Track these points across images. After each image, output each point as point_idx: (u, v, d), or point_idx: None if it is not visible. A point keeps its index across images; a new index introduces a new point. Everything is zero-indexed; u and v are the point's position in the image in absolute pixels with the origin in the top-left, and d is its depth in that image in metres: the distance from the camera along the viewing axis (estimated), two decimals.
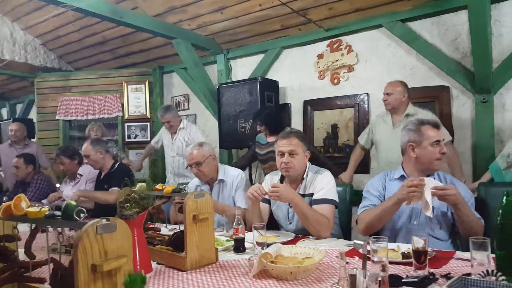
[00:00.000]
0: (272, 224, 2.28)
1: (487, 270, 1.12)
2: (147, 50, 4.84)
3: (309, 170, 2.17)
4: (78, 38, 4.72)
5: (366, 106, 3.77)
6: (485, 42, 2.86)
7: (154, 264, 1.59)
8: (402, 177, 1.97)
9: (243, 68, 4.59)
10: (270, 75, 4.32)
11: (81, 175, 3.36)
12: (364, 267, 1.11)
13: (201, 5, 3.55)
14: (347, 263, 1.43)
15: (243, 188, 2.45)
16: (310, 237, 2.00)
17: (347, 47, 3.86)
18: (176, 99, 5.26)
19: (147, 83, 5.14)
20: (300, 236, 2.03)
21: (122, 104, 5.15)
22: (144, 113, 5.14)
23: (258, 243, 1.66)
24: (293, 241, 1.92)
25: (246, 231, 1.85)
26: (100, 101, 5.18)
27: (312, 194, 2.10)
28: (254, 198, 2.01)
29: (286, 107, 4.23)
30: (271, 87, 4.06)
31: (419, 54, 3.44)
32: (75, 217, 1.07)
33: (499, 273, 1.09)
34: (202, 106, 4.87)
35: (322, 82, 4.03)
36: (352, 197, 2.51)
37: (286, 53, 4.26)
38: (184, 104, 5.17)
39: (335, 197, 2.09)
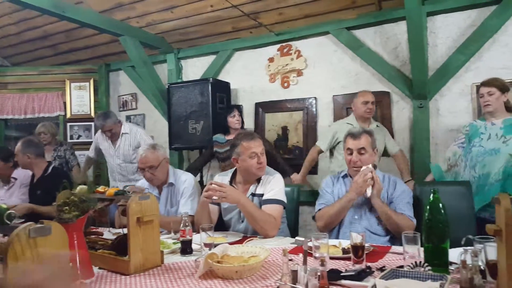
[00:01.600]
0: (221, 225, 2.29)
1: (415, 262, 1.21)
2: (92, 46, 4.63)
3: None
4: (16, 31, 4.41)
5: (314, 109, 3.89)
6: (422, 51, 3.07)
7: (96, 269, 1.53)
8: (345, 176, 2.17)
9: (195, 68, 4.55)
10: (222, 77, 4.32)
11: (15, 179, 3.13)
12: (304, 262, 1.15)
13: (151, 3, 3.47)
14: (291, 259, 1.48)
15: (189, 194, 2.39)
16: (258, 236, 2.03)
17: (297, 52, 3.97)
18: (123, 98, 5.09)
19: (92, 81, 4.93)
20: (248, 236, 2.06)
21: (64, 103, 4.89)
22: (88, 113, 4.91)
23: (206, 244, 1.66)
24: (241, 241, 1.94)
25: (194, 233, 1.84)
26: (40, 99, 4.87)
27: (262, 195, 2.15)
28: (210, 195, 2.00)
29: (238, 108, 4.25)
30: (223, 88, 4.07)
31: (363, 61, 3.62)
32: (6, 221, 1.00)
33: (426, 264, 1.19)
34: (151, 106, 4.75)
35: (273, 85, 4.11)
36: (299, 198, 2.61)
37: (238, 55, 4.29)
38: (131, 104, 5.01)
39: (284, 198, 2.16)
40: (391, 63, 3.53)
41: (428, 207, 1.28)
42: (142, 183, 2.54)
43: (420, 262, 1.21)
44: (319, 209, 2.12)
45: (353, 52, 3.65)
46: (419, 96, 3.34)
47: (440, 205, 1.26)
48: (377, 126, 3.25)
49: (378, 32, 3.58)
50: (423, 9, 3.14)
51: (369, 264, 1.43)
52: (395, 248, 1.68)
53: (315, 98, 3.89)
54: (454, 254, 1.25)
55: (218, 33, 4.08)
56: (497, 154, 2.40)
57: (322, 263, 1.13)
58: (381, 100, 3.57)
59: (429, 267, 1.17)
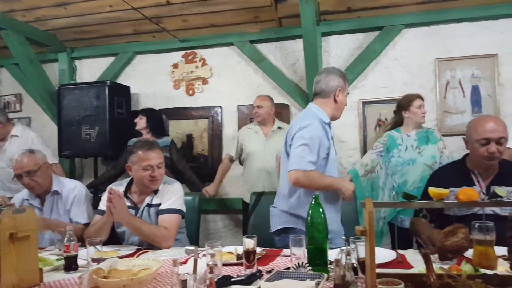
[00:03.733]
0: (114, 238, 2.15)
1: (299, 263, 1.30)
2: None
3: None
4: None
5: (219, 118, 3.94)
6: (316, 68, 3.31)
7: None
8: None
9: (91, 69, 4.24)
10: (122, 80, 4.11)
11: None
12: (194, 271, 1.15)
13: None
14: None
15: (82, 202, 2.23)
16: (154, 248, 1.96)
17: (202, 60, 3.98)
18: (5, 99, 4.50)
19: None
20: (143, 248, 1.98)
21: None
22: None
23: (94, 260, 1.55)
24: (134, 254, 1.85)
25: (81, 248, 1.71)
26: None
27: (159, 205, 2.09)
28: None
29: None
30: (122, 92, 3.86)
31: (265, 74, 3.78)
32: None
33: (307, 264, 1.28)
34: (39, 109, 4.26)
35: (178, 92, 4.05)
36: (201, 206, 2.59)
37: (139, 59, 4.13)
38: (15, 105, 4.47)
39: (182, 207, 2.12)
40: (290, 77, 3.75)
41: (310, 211, 1.38)
42: (19, 195, 2.28)
43: (303, 262, 1.30)
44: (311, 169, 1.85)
45: (256, 64, 3.79)
46: None
47: (320, 209, 1.37)
48: (278, 127, 3.30)
49: (279, 48, 3.79)
50: (318, 29, 3.43)
51: (260, 268, 1.48)
52: (286, 251, 1.78)
53: (221, 107, 3.93)
54: (334, 254, 1.37)
55: (117, 35, 3.89)
56: (414, 164, 2.67)
57: (211, 271, 1.14)
58: (282, 112, 3.76)
59: (310, 267, 1.26)
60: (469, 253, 1.24)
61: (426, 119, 2.92)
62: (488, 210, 1.79)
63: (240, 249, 1.74)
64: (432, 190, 1.16)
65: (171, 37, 3.84)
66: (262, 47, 3.81)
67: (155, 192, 2.12)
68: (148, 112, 3.50)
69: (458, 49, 3.39)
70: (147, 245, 2.02)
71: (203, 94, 3.99)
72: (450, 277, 1.16)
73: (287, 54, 3.77)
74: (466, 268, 1.30)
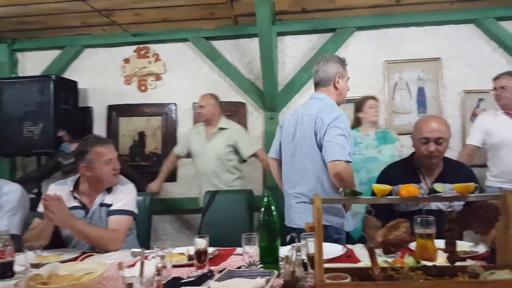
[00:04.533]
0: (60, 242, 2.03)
1: (250, 261, 1.29)
2: None
3: None
4: None
5: (174, 115, 3.85)
6: (272, 67, 3.35)
7: None
8: None
9: (34, 63, 3.97)
10: (69, 75, 3.89)
11: None
12: (141, 274, 1.10)
13: None
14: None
15: (10, 208, 2.02)
16: (100, 251, 1.87)
17: (155, 55, 3.88)
18: None
19: None
20: (88, 251, 1.88)
21: None
22: None
23: (33, 265, 1.45)
24: (78, 258, 1.75)
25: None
26: None
27: (110, 205, 2.00)
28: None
29: (87, 110, 3.89)
30: (69, 87, 3.66)
31: (221, 71, 3.75)
32: None
33: (259, 262, 1.28)
34: None
35: (129, 88, 3.91)
36: (152, 207, 2.52)
37: (88, 53, 3.94)
38: None
39: (134, 209, 2.05)
40: (246, 76, 3.75)
41: (262, 209, 1.38)
42: None
43: (255, 260, 1.30)
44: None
45: (211, 62, 3.75)
46: (270, 108, 3.63)
47: (273, 207, 1.38)
48: (220, 128, 3.18)
49: (235, 46, 3.77)
50: (273, 28, 3.46)
51: (212, 268, 1.46)
52: (239, 250, 1.76)
53: (175, 104, 3.85)
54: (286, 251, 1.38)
55: (64, 27, 3.67)
56: (376, 162, 2.78)
57: (159, 273, 1.10)
58: (238, 110, 3.76)
59: (261, 265, 1.26)
60: (414, 246, 1.30)
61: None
62: (434, 206, 1.89)
63: (192, 250, 1.71)
64: (376, 186, 1.20)
65: (122, 30, 3.69)
66: (218, 44, 3.78)
67: (108, 190, 2.03)
68: (63, 119, 3.28)
69: (405, 52, 3.56)
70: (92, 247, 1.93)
71: (157, 90, 3.89)
72: (393, 269, 1.20)
73: (243, 52, 3.77)
74: (409, 260, 1.36)
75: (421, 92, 3.58)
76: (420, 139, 1.92)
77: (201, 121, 3.27)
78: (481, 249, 1.57)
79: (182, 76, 3.85)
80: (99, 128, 3.88)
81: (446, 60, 3.51)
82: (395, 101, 3.60)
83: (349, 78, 2.13)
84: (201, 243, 1.45)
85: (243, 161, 3.24)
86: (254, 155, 3.18)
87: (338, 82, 2.03)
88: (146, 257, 1.67)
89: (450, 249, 1.23)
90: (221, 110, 3.26)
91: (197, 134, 3.25)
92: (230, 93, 3.77)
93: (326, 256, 1.51)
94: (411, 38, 3.56)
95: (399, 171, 2.06)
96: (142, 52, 3.89)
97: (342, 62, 2.08)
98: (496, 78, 2.81)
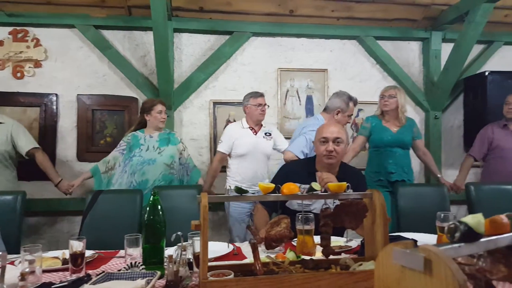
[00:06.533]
0: None
1: (132, 263, 1.23)
2: None
3: None
4: None
5: (54, 107, 3.47)
6: (167, 64, 3.25)
7: None
8: None
9: None
10: None
11: None
12: (1, 280, 0.96)
13: None
14: None
15: None
16: None
17: (35, 40, 3.46)
18: None
19: None
20: None
21: None
22: None
23: None
24: None
25: None
26: None
27: None
28: None
29: None
30: None
31: (111, 63, 3.51)
32: None
33: (141, 264, 1.22)
34: None
35: (2, 73, 3.42)
36: (24, 207, 2.25)
37: None
38: None
39: None
40: (140, 70, 3.58)
41: (148, 208, 1.33)
42: None
43: (136, 262, 1.24)
44: None
45: (101, 52, 3.49)
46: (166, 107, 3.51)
47: (159, 206, 1.33)
48: None
49: (128, 37, 3.57)
50: (169, 24, 3.37)
51: (90, 271, 1.35)
52: (122, 252, 1.67)
53: (57, 95, 3.47)
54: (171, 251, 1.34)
55: None
56: (154, 163, 2.80)
57: (23, 278, 0.97)
58: (129, 105, 3.56)
59: (143, 266, 1.21)
60: None
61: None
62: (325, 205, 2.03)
63: (67, 254, 1.56)
64: (260, 184, 1.25)
65: None
66: (108, 34, 3.53)
67: None
68: None
69: (297, 61, 3.81)
70: None
71: (35, 78, 3.47)
72: (275, 264, 1.27)
73: (137, 45, 3.59)
74: (290, 255, 1.45)
75: (309, 100, 3.87)
76: (319, 140, 2.07)
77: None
78: (354, 243, 1.76)
79: (66, 65, 3.50)
80: None
81: (332, 72, 3.86)
82: (287, 107, 3.82)
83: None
84: (77, 245, 1.33)
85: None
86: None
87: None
88: (12, 262, 1.48)
89: (324, 243, 1.34)
90: None
91: None
92: (121, 87, 3.56)
93: (213, 254, 1.53)
94: (302, 49, 3.82)
95: (300, 170, 2.14)
96: (20, 35, 3.43)
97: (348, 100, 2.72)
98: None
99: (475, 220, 0.65)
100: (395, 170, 3.04)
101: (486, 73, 3.66)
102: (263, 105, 2.98)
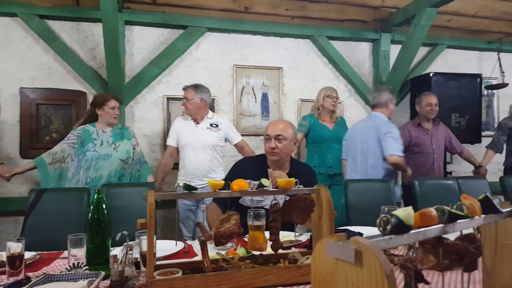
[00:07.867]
0: None
1: (74, 263, 1.18)
2: None
3: None
4: None
5: None
6: (118, 57, 3.11)
7: None
8: None
9: None
10: None
11: None
12: None
13: None
14: None
15: None
16: None
17: None
18: None
19: None
20: None
21: None
22: None
23: None
24: None
25: None
26: None
27: None
28: None
29: None
30: None
31: (57, 55, 3.33)
32: None
33: (84, 264, 1.18)
34: None
35: None
36: None
37: None
38: None
39: None
40: (88, 63, 3.43)
41: (91, 207, 1.28)
42: None
43: (79, 263, 1.19)
44: None
45: (46, 43, 3.30)
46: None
47: (104, 205, 1.29)
48: None
49: (76, 29, 3.41)
50: (120, 16, 3.26)
51: (30, 274, 1.28)
52: (66, 253, 1.60)
53: None
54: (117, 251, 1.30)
55: None
56: (110, 159, 2.75)
57: None
58: (77, 99, 3.41)
59: (87, 267, 1.16)
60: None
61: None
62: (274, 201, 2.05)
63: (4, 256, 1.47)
64: (209, 181, 1.25)
65: None
66: (55, 25, 3.35)
67: None
68: None
69: (252, 58, 3.83)
70: None
71: None
72: (225, 261, 1.27)
73: (86, 37, 3.43)
74: (240, 251, 1.46)
75: (265, 97, 3.91)
76: (264, 137, 2.10)
77: None
78: (304, 237, 1.80)
79: (7, 56, 3.28)
80: None
81: (287, 70, 3.92)
82: (242, 104, 3.83)
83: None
84: (16, 247, 1.26)
85: None
86: None
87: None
88: None
89: (273, 238, 1.36)
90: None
91: None
92: (68, 80, 3.39)
93: (163, 253, 1.51)
94: (257, 46, 3.84)
95: (252, 167, 2.14)
96: None
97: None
98: None
99: (405, 213, 0.69)
100: (334, 164, 3.29)
101: (431, 74, 3.89)
102: (183, 99, 3.01)
